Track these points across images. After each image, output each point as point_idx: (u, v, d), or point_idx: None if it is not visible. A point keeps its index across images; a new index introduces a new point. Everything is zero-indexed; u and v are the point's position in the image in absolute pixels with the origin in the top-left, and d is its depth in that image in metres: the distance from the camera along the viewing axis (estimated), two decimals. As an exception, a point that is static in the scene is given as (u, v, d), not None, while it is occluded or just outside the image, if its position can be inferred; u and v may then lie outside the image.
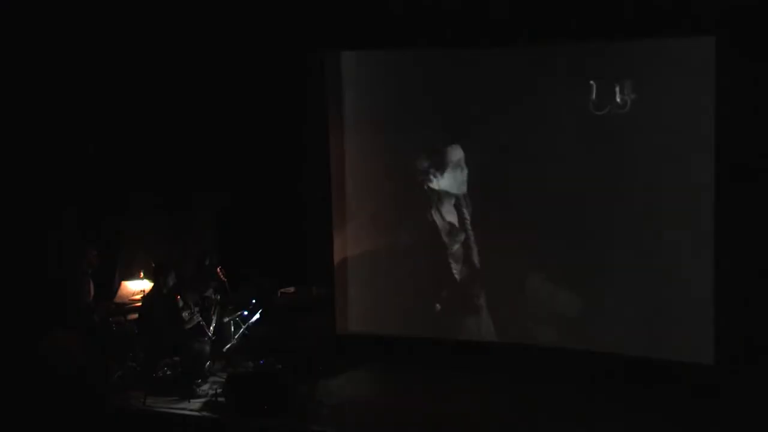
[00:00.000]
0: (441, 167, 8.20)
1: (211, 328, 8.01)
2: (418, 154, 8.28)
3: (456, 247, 8.22)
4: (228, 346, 8.28)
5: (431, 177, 8.25)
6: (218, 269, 8.51)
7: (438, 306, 8.33)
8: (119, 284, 8.75)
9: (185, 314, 7.63)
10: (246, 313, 8.43)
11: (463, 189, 8.15)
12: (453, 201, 8.21)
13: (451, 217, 8.23)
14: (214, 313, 8.11)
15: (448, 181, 8.21)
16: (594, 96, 7.43)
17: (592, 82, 7.42)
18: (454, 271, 8.25)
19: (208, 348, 7.74)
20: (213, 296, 8.14)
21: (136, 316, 7.97)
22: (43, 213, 8.45)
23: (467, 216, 8.15)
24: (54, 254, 8.45)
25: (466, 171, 8.12)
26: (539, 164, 7.73)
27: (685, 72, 7.08)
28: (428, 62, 8.16)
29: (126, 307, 8.23)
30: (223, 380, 7.34)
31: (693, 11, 6.79)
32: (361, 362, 8.26)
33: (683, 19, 6.86)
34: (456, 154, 8.14)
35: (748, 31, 6.69)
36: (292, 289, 8.62)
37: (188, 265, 8.63)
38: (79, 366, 7.45)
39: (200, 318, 7.78)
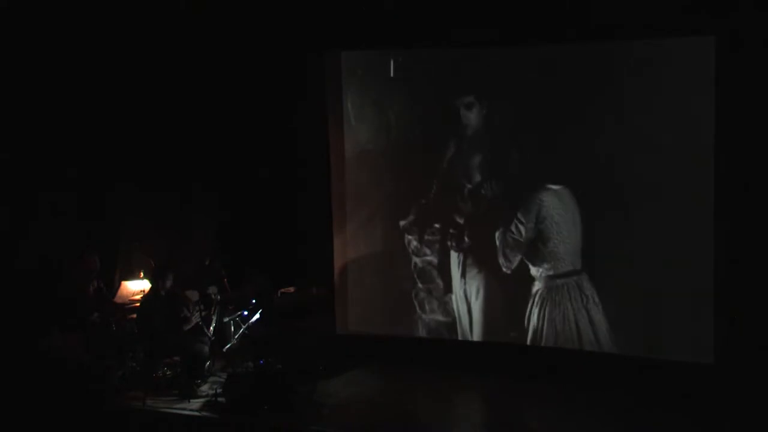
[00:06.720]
0: (442, 167, 8.20)
1: (211, 328, 8.01)
2: (419, 154, 8.28)
3: (457, 246, 8.22)
4: (228, 346, 8.28)
5: (433, 177, 8.26)
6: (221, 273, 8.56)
7: (438, 305, 8.33)
8: (119, 284, 8.75)
9: (184, 315, 7.63)
10: (246, 313, 8.42)
11: (465, 189, 8.15)
12: (454, 200, 8.20)
13: (453, 216, 8.22)
14: (214, 313, 8.11)
15: (449, 181, 8.21)
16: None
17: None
18: (455, 271, 8.25)
19: (208, 348, 7.74)
20: (213, 296, 8.13)
21: (135, 315, 7.97)
22: (43, 214, 8.45)
23: (469, 216, 8.14)
24: (55, 255, 8.44)
25: (467, 170, 8.12)
26: (539, 163, 7.73)
27: (685, 72, 7.08)
28: (429, 61, 8.15)
29: (126, 307, 8.24)
30: (223, 380, 7.35)
31: (693, 11, 6.79)
32: (361, 362, 8.26)
33: (683, 19, 6.86)
34: (456, 153, 8.13)
35: (748, 31, 6.69)
36: (292, 289, 8.63)
37: (188, 266, 8.63)
38: (79, 365, 7.46)
39: (200, 319, 7.78)
